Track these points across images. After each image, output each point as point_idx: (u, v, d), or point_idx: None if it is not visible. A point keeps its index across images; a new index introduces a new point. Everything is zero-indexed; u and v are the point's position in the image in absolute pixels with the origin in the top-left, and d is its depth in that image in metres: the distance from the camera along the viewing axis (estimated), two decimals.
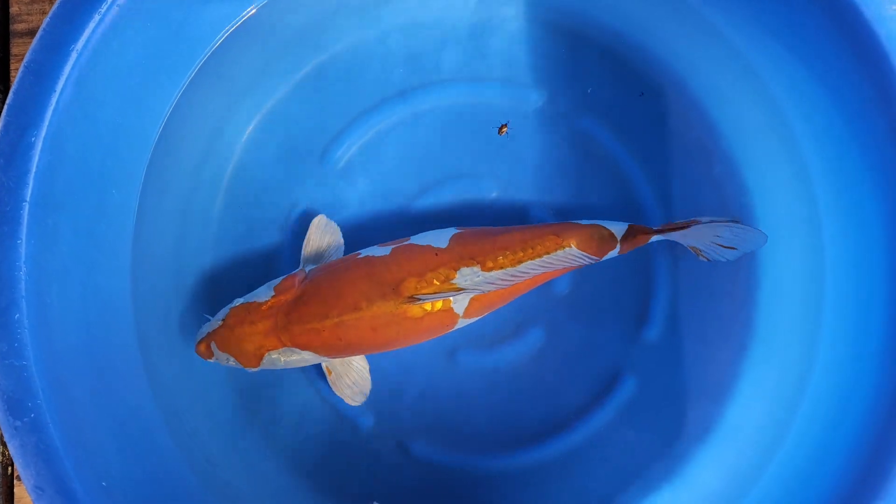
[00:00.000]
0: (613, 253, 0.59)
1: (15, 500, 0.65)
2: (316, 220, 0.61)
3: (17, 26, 0.68)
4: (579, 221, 0.59)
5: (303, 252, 0.60)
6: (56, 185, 0.51)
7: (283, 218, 0.65)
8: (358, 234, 0.64)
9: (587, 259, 0.57)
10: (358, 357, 0.59)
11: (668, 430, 0.62)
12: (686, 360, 0.63)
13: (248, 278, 0.64)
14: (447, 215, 0.65)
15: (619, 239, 0.59)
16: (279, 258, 0.65)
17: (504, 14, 0.65)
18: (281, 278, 0.58)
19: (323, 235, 0.61)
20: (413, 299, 0.53)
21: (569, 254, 0.56)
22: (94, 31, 0.50)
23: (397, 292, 0.53)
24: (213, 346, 0.57)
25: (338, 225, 0.63)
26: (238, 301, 0.58)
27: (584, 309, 0.64)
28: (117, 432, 0.53)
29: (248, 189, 0.65)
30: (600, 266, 0.64)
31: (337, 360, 0.59)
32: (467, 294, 0.54)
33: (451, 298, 0.54)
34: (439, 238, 0.57)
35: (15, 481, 0.65)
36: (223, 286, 0.64)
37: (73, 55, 0.50)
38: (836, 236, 0.58)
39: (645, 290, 0.64)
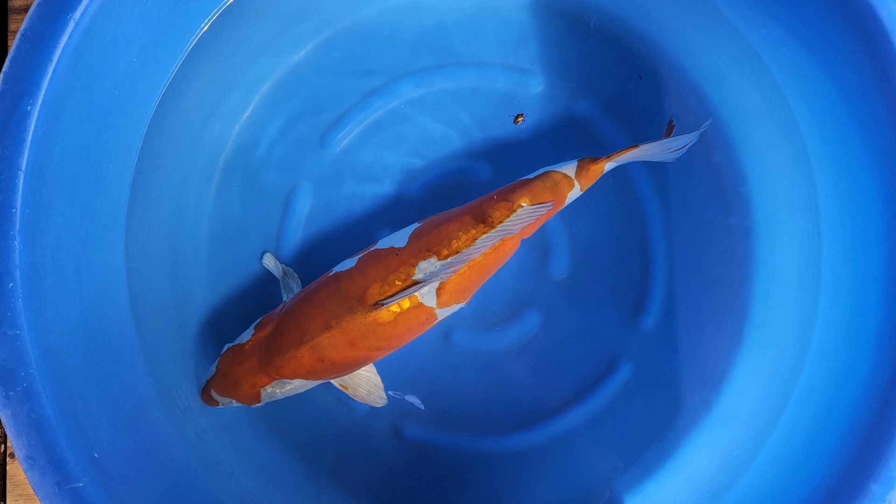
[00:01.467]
0: (576, 192, 0.58)
1: (7, 477, 0.65)
2: (265, 261, 0.63)
3: (14, 2, 0.67)
4: (528, 176, 0.58)
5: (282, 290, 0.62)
6: (52, 155, 0.50)
7: (283, 199, 0.65)
8: (355, 217, 0.65)
9: (544, 209, 0.56)
10: (365, 369, 0.59)
11: (664, 416, 0.62)
12: (682, 346, 0.63)
13: (244, 259, 0.64)
14: (444, 198, 0.65)
15: (573, 176, 0.57)
16: (277, 240, 0.65)
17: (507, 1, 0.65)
18: (261, 317, 0.59)
19: (275, 269, 0.62)
20: (378, 305, 0.52)
21: (524, 213, 0.55)
22: (91, 1, 0.50)
23: (363, 302, 0.53)
24: (213, 393, 0.58)
25: (333, 210, 0.64)
26: (227, 346, 0.58)
27: (580, 295, 0.64)
28: (110, 405, 0.53)
29: (247, 169, 0.65)
30: (597, 253, 0.64)
31: (347, 377, 0.59)
32: (429, 285, 0.53)
33: (418, 294, 0.53)
34: (401, 237, 0.56)
35: (8, 458, 0.65)
36: (219, 266, 0.64)
37: (71, 24, 0.49)
38: (834, 221, 0.58)
39: (642, 277, 0.64)
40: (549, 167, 0.58)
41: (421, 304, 0.54)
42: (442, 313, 0.56)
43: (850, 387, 0.54)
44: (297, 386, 0.57)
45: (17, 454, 0.47)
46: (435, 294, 0.54)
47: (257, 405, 0.58)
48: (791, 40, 0.58)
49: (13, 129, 0.48)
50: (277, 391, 0.57)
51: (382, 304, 0.52)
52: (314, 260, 0.64)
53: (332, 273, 0.57)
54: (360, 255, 0.56)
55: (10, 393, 0.47)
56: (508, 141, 0.65)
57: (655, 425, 0.62)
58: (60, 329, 0.51)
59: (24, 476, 0.64)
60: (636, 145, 0.58)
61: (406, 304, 0.53)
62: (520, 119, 0.65)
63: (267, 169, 0.65)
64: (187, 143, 0.63)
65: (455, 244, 0.54)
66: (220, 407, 0.59)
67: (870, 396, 0.52)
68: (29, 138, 0.49)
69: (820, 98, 0.57)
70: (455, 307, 0.56)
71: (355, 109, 0.65)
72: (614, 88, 0.65)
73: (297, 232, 0.65)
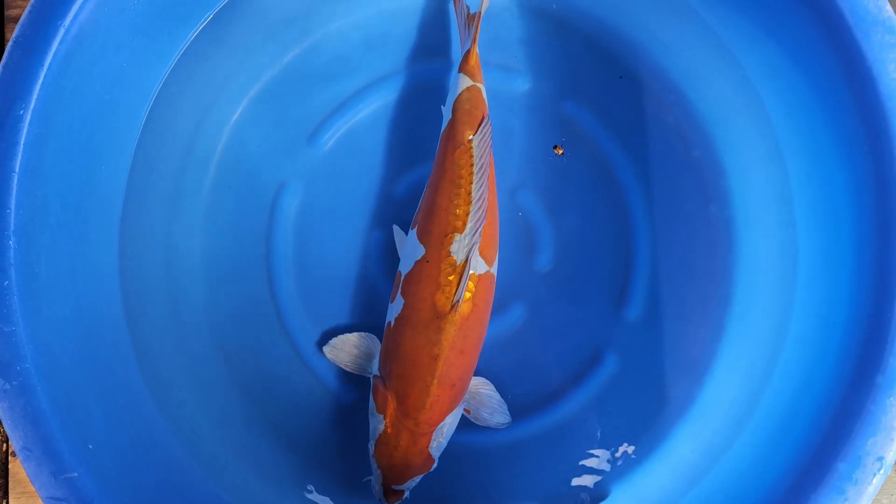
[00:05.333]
0: (483, 88, 0.60)
1: (10, 475, 0.66)
2: (328, 354, 0.62)
3: (11, 12, 0.69)
4: (444, 119, 0.60)
5: (352, 371, 0.61)
6: (45, 157, 0.52)
7: (272, 197, 0.66)
8: (343, 214, 0.66)
9: (487, 125, 0.58)
10: (483, 386, 0.60)
11: (650, 407, 0.63)
12: (666, 337, 0.64)
13: (237, 256, 0.65)
14: None
15: (473, 82, 0.60)
16: (268, 237, 0.65)
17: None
18: (371, 401, 0.58)
19: (343, 353, 0.61)
20: (454, 306, 0.53)
21: (478, 141, 0.57)
22: (81, 8, 0.52)
23: (441, 315, 0.54)
24: (394, 488, 0.57)
25: (321, 208, 0.65)
26: (371, 446, 0.58)
27: (565, 287, 0.65)
28: (104, 400, 0.54)
29: (237, 169, 0.66)
30: (581, 245, 0.65)
31: (467, 397, 0.59)
32: (474, 257, 0.54)
33: (472, 270, 0.54)
34: (413, 248, 0.57)
35: (10, 457, 0.66)
36: (214, 264, 0.65)
37: (61, 31, 0.51)
38: (808, 211, 0.59)
39: (625, 269, 0.65)
40: (450, 97, 0.60)
41: (479, 276, 0.55)
42: (494, 269, 0.57)
43: (822, 372, 0.55)
44: (450, 424, 0.57)
45: (13, 445, 0.49)
46: (481, 259, 0.55)
47: (435, 465, 0.58)
48: (761, 36, 0.59)
49: (7, 132, 0.50)
50: (441, 440, 0.57)
51: (458, 302, 0.53)
52: (305, 256, 0.66)
53: (391, 324, 0.57)
54: (399, 291, 0.57)
55: (7, 387, 0.48)
56: (493, 139, 0.65)
57: (641, 416, 0.63)
58: (55, 326, 0.52)
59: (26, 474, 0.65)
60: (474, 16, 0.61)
61: (471, 285, 0.54)
62: (559, 150, 0.66)
63: (257, 168, 0.66)
64: (180, 145, 0.64)
65: (459, 210, 0.55)
66: (407, 493, 0.58)
67: (839, 380, 0.53)
68: (22, 141, 0.50)
69: (791, 91, 0.59)
70: (497, 259, 0.58)
71: (343, 109, 0.66)
72: (596, 87, 0.66)
73: (288, 229, 0.65)
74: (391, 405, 0.56)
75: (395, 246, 0.64)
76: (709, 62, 0.63)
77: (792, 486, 0.52)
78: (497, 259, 0.58)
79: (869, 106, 0.52)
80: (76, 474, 0.49)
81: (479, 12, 0.61)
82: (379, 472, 0.57)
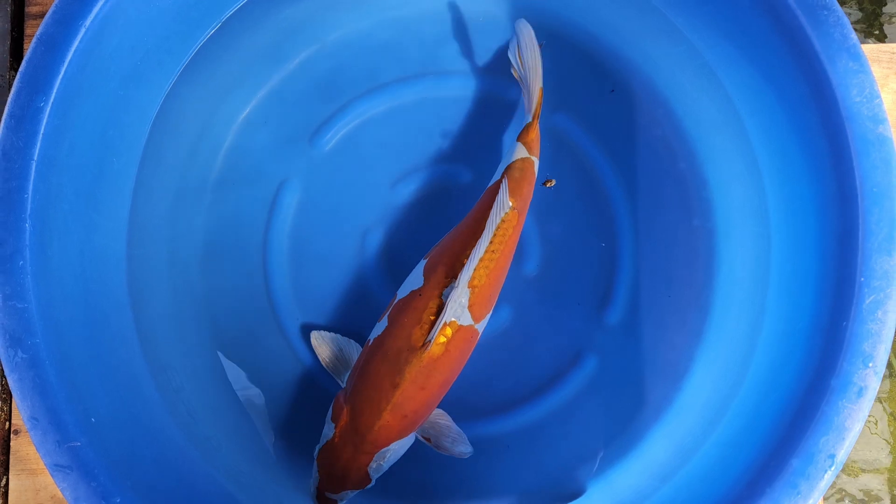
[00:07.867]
0: (536, 162, 0.62)
1: (11, 452, 0.67)
2: (313, 340, 0.63)
3: (31, 9, 0.71)
4: (495, 178, 0.61)
5: (327, 370, 0.63)
6: (61, 148, 0.55)
7: (273, 195, 0.67)
8: (341, 214, 0.68)
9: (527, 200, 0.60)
10: (441, 417, 0.61)
11: (627, 408, 0.64)
12: (646, 342, 0.65)
13: (235, 250, 0.67)
14: (428, 200, 0.68)
15: (526, 156, 0.60)
16: (266, 233, 0.67)
17: (487, 13, 0.69)
18: (331, 408, 0.59)
19: (327, 347, 0.63)
20: (426, 344, 0.54)
21: (518, 212, 0.58)
22: (101, 9, 0.55)
23: (413, 349, 0.54)
24: (328, 496, 0.58)
25: (320, 207, 0.67)
26: (317, 448, 0.59)
27: (549, 291, 0.66)
28: (107, 377, 0.56)
29: (241, 166, 0.67)
30: (566, 251, 0.67)
31: (427, 427, 0.60)
32: (460, 307, 0.55)
33: (455, 319, 0.55)
34: (416, 278, 0.58)
35: (11, 436, 0.67)
36: (212, 256, 0.67)
37: (82, 30, 0.54)
38: (781, 224, 0.62)
39: (608, 275, 0.66)
40: (503, 161, 0.61)
41: (461, 327, 0.55)
42: (480, 327, 0.58)
43: (786, 376, 0.57)
44: (395, 450, 0.58)
45: (21, 415, 0.51)
46: (469, 313, 0.56)
47: (370, 485, 0.59)
48: (740, 57, 0.61)
49: (27, 122, 0.53)
50: (382, 463, 0.58)
51: (429, 342, 0.54)
52: (302, 253, 0.67)
53: (370, 342, 0.58)
54: (388, 313, 0.58)
55: (17, 359, 0.51)
56: (487, 146, 0.68)
57: (619, 418, 0.64)
58: (64, 305, 0.55)
59: (27, 451, 0.67)
60: (538, 91, 0.62)
61: (449, 331, 0.55)
62: (550, 183, 0.68)
63: (260, 166, 0.67)
64: (187, 141, 0.66)
65: (466, 261, 0.55)
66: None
67: (800, 384, 0.55)
68: (41, 131, 0.53)
69: (766, 110, 0.61)
70: (487, 318, 0.58)
71: (344, 113, 0.68)
72: (588, 100, 0.68)
73: (286, 226, 0.67)
74: (344, 417, 0.57)
75: (389, 248, 0.67)
76: (695, 80, 0.65)
77: (750, 481, 0.54)
78: (487, 319, 0.59)
79: (833, 126, 0.55)
80: (79, 444, 0.51)
81: (540, 89, 0.62)
82: (317, 476, 0.58)
